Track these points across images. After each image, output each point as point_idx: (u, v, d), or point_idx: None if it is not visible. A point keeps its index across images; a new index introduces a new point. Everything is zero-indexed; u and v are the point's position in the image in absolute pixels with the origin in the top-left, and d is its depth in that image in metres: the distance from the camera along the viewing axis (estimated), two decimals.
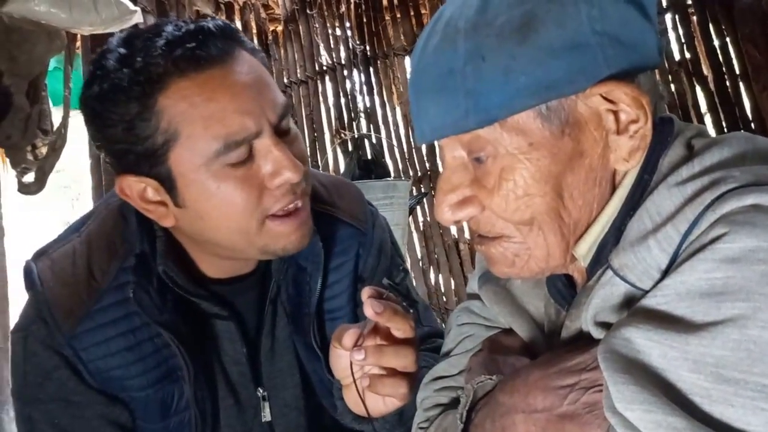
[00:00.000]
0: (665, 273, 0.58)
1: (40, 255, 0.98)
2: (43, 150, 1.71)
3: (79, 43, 2.11)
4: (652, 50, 0.64)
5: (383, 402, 0.83)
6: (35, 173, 1.73)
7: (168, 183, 0.87)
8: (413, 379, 0.85)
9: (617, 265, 0.61)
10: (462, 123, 0.62)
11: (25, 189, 1.74)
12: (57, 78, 2.14)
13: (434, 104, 0.64)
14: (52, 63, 1.88)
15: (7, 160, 1.73)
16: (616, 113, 0.62)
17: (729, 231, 0.52)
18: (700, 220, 0.55)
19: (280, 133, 0.89)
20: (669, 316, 0.53)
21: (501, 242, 0.68)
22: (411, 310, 0.82)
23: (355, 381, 0.81)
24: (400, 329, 0.80)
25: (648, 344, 0.52)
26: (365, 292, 0.80)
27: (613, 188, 0.66)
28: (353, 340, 0.79)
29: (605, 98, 0.61)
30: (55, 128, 1.77)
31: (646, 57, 0.63)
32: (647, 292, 0.58)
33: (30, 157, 1.68)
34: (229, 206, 0.86)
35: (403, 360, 0.80)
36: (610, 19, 0.60)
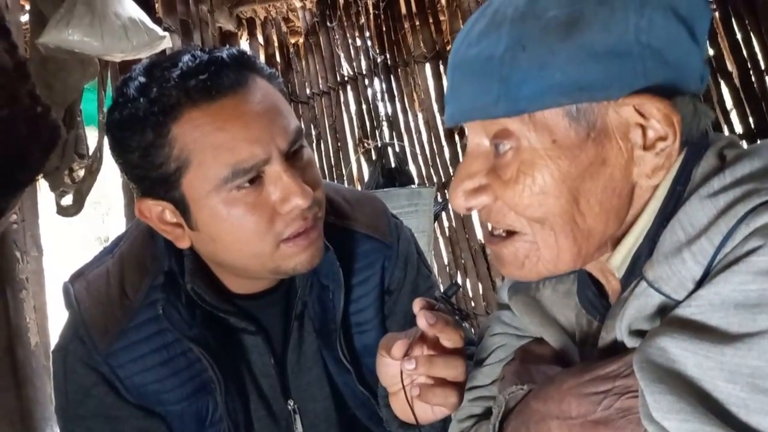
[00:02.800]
0: (699, 284, 0.57)
1: (76, 276, 1.02)
2: (80, 173, 1.76)
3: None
4: (694, 74, 0.63)
5: (432, 410, 0.84)
6: (73, 196, 1.78)
7: (182, 207, 0.90)
8: (462, 388, 0.85)
9: (652, 277, 0.61)
10: (491, 109, 0.62)
11: (63, 211, 1.79)
12: (86, 99, 2.19)
13: (468, 87, 0.64)
14: (84, 86, 1.93)
15: (45, 183, 1.79)
16: (644, 128, 0.62)
17: (764, 244, 0.52)
18: (734, 233, 0.55)
19: (292, 159, 0.90)
20: (703, 326, 0.54)
21: (513, 241, 0.67)
22: (463, 323, 0.82)
23: (404, 389, 0.82)
24: (450, 339, 0.80)
25: (683, 354, 0.53)
26: (417, 304, 0.80)
27: (631, 202, 0.65)
28: (403, 350, 0.80)
29: (637, 110, 0.61)
30: (90, 151, 1.83)
31: (686, 79, 0.63)
32: (681, 302, 0.58)
33: (67, 180, 1.73)
34: (239, 231, 0.88)
35: (453, 370, 0.81)
36: (657, 32, 0.59)
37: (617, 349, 0.66)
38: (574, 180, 0.62)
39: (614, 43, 0.59)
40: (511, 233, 0.68)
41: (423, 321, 0.78)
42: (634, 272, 0.66)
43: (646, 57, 0.60)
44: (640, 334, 0.62)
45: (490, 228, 0.71)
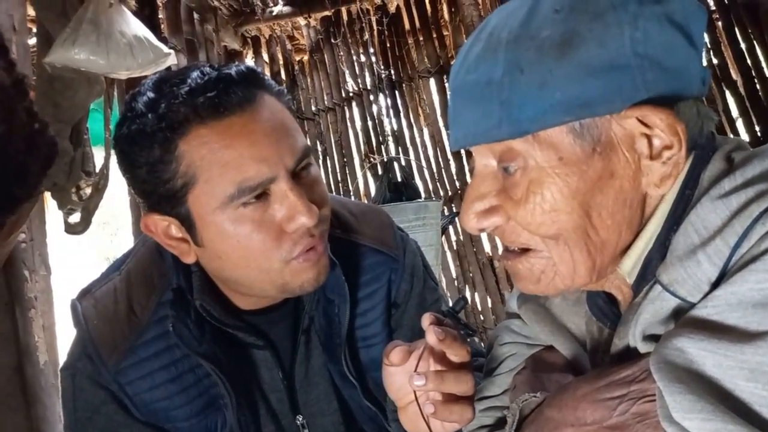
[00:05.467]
0: (715, 286, 0.57)
1: (84, 294, 1.02)
2: (87, 191, 1.77)
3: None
4: (695, 78, 0.64)
5: (442, 425, 0.83)
6: (80, 213, 1.78)
7: (188, 223, 0.89)
8: (472, 403, 0.84)
9: (666, 280, 0.61)
10: (495, 132, 0.63)
11: (71, 229, 1.80)
12: (94, 119, 2.21)
13: (470, 111, 0.65)
14: (91, 105, 1.96)
15: (53, 202, 1.80)
16: (649, 138, 0.62)
17: None
18: (750, 233, 0.55)
19: (298, 177, 0.90)
20: (721, 325, 0.53)
21: (528, 257, 0.68)
22: (468, 339, 0.82)
23: (419, 406, 0.81)
24: (458, 354, 0.79)
25: (701, 354, 0.53)
26: (426, 319, 0.79)
27: (643, 210, 0.65)
28: (401, 357, 0.79)
29: (640, 121, 0.61)
30: (97, 169, 1.84)
31: (687, 85, 0.63)
32: (697, 304, 0.58)
33: (75, 198, 1.74)
34: (245, 248, 0.88)
35: (464, 385, 0.79)
36: (653, 42, 0.60)
37: (630, 356, 0.66)
38: (584, 195, 0.63)
39: (611, 57, 0.59)
40: (526, 249, 0.68)
41: (432, 337, 0.77)
42: (646, 277, 0.65)
43: (644, 68, 0.60)
44: (653, 339, 0.62)
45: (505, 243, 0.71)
